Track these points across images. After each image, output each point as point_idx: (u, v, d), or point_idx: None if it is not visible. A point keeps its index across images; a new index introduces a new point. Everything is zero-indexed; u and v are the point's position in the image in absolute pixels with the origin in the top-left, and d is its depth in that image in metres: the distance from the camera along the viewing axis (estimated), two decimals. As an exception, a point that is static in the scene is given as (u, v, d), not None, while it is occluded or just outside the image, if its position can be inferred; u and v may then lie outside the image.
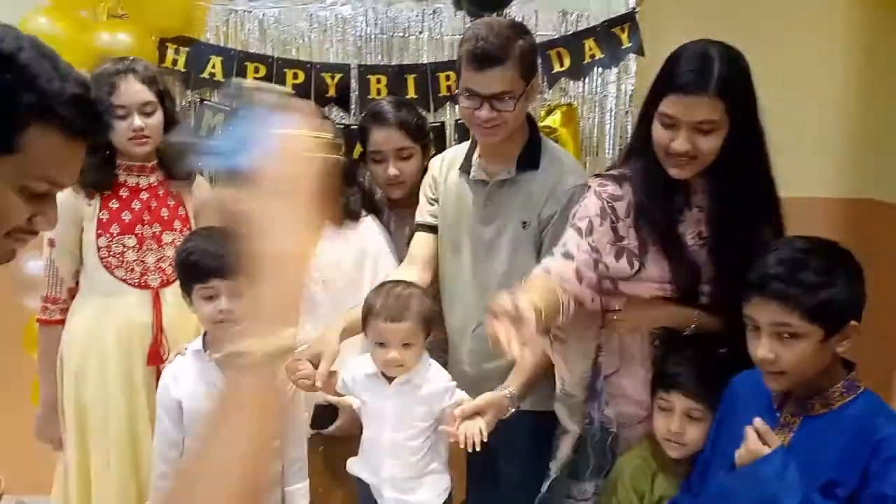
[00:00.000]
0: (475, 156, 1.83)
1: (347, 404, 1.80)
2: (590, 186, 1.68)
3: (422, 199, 1.94)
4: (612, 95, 2.41)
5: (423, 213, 1.93)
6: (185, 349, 1.72)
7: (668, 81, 1.50)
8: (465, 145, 1.91)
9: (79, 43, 2.15)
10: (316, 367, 1.64)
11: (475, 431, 1.53)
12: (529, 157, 1.78)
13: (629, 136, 2.37)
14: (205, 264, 1.63)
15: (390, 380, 1.64)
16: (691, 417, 1.51)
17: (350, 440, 1.78)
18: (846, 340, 1.29)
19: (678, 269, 1.61)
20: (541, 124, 2.35)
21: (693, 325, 1.59)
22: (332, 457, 1.84)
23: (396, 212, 2.09)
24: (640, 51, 2.36)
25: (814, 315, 1.25)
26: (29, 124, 0.79)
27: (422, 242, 1.91)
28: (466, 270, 1.84)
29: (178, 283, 1.96)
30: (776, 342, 1.27)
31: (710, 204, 1.59)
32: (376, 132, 2.03)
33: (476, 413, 1.58)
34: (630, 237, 1.61)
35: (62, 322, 1.98)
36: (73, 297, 2.00)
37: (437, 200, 1.91)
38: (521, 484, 1.79)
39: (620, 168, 1.69)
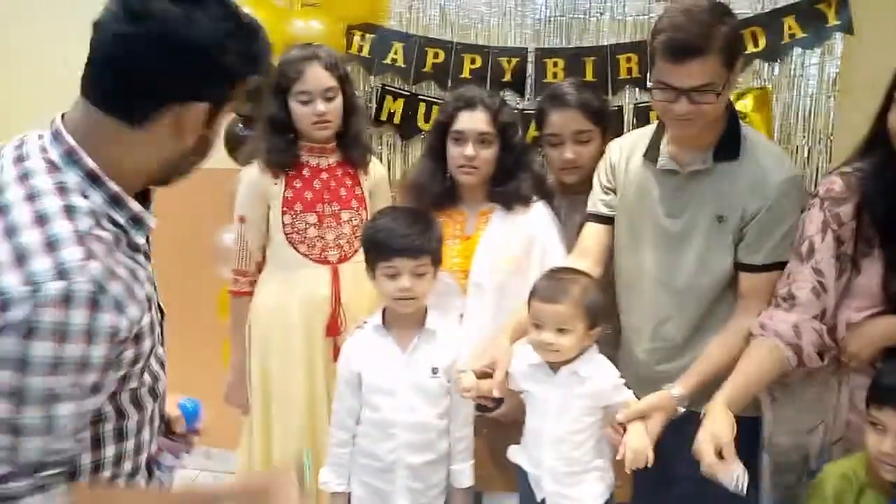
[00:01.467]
0: (663, 143, 1.70)
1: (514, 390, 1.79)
2: (815, 194, 1.57)
3: (596, 186, 1.85)
4: (813, 79, 2.20)
5: (596, 203, 1.84)
6: (365, 323, 1.78)
7: None
8: (648, 130, 1.79)
9: (275, 30, 2.30)
10: (490, 374, 1.64)
11: (641, 452, 1.47)
12: (728, 147, 1.64)
13: (831, 123, 2.19)
14: (390, 243, 1.68)
15: (556, 370, 1.61)
16: None
17: (514, 426, 1.76)
18: None
19: (891, 274, 1.45)
20: (729, 109, 2.20)
21: None
22: (495, 441, 1.83)
23: (569, 198, 2.03)
24: (849, 29, 2.14)
25: None
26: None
27: (594, 234, 1.83)
28: (648, 265, 1.73)
29: (353, 258, 2.06)
30: None
31: None
32: (555, 114, 1.99)
33: (642, 417, 1.53)
34: (850, 240, 1.51)
35: (250, 294, 2.12)
36: (260, 270, 2.13)
37: (613, 190, 1.82)
38: (697, 492, 1.69)
39: (855, 163, 1.55)
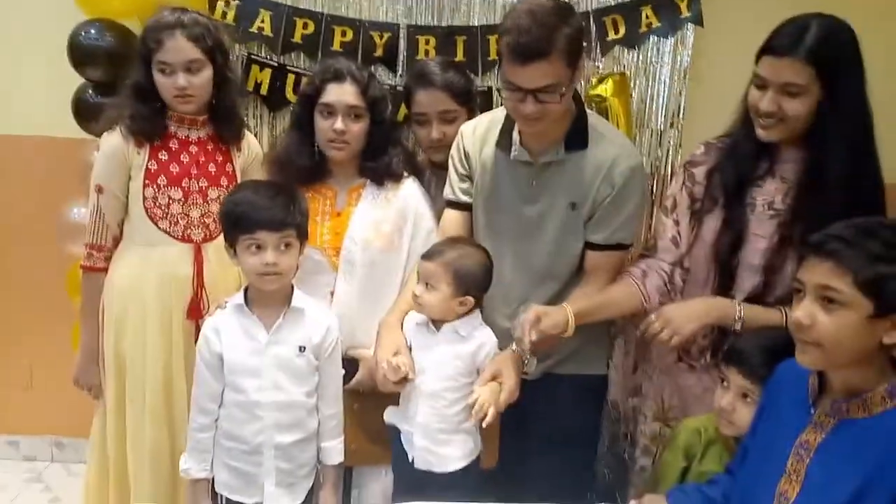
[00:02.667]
0: (515, 134, 1.74)
1: (367, 356, 1.82)
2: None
3: (452, 173, 1.86)
4: (667, 66, 2.34)
5: (454, 190, 1.85)
6: (226, 303, 1.72)
7: (765, 45, 1.58)
8: (500, 115, 1.80)
9: (130, -9, 2.15)
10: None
11: (485, 402, 1.57)
12: (577, 138, 1.71)
13: (683, 108, 2.35)
14: (252, 215, 1.62)
15: (438, 329, 1.69)
16: (745, 398, 1.47)
17: (383, 397, 1.78)
18: (895, 332, 1.14)
19: (724, 230, 1.67)
20: (592, 92, 2.30)
21: (738, 320, 1.62)
22: (364, 415, 1.84)
23: (437, 174, 2.04)
24: (699, 21, 2.29)
25: (867, 286, 1.12)
26: None
27: (454, 222, 1.85)
28: (506, 250, 1.78)
29: (219, 239, 1.97)
30: (818, 307, 1.15)
31: (797, 176, 1.62)
32: (421, 93, 1.99)
33: (494, 378, 1.63)
34: (702, 198, 1.73)
35: (105, 270, 1.99)
36: (116, 246, 2.00)
37: (469, 177, 1.84)
38: (552, 451, 1.78)
39: (724, 137, 1.74)
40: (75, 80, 2.30)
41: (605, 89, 2.32)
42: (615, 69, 2.34)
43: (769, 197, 1.65)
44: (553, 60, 1.53)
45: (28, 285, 2.70)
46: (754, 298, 1.66)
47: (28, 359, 2.77)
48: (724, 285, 1.69)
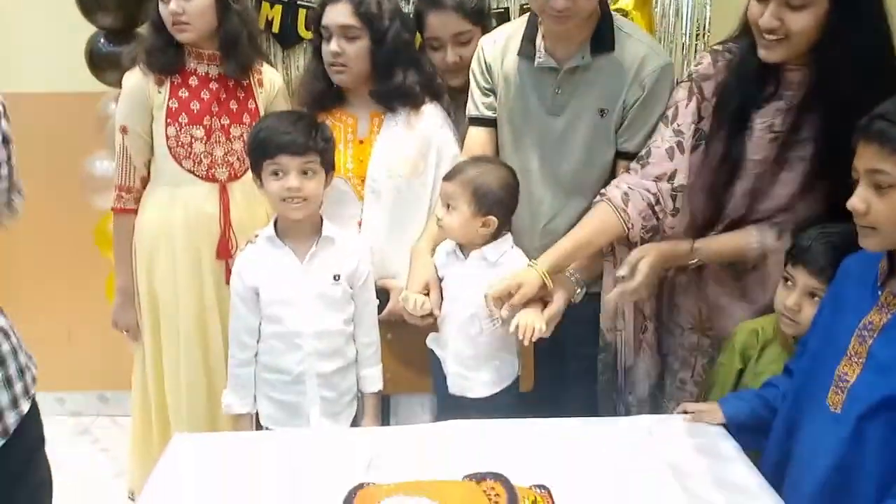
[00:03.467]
0: (538, 39, 1.68)
1: (397, 287, 1.80)
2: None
3: (474, 88, 1.81)
4: (691, -23, 2.25)
5: (477, 106, 1.80)
6: (257, 236, 1.71)
7: None
8: (519, 24, 1.75)
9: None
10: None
11: (531, 322, 1.53)
12: (603, 40, 1.65)
13: (707, 21, 2.26)
14: (273, 140, 1.60)
15: (466, 255, 1.65)
16: (812, 296, 1.44)
17: (416, 327, 1.77)
18: None
19: (723, 163, 1.60)
20: (613, 7, 2.21)
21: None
22: (400, 344, 1.84)
23: (457, 99, 1.98)
24: (722, -73, 2.19)
25: None
26: None
27: (478, 138, 1.80)
28: (534, 164, 1.73)
29: (244, 177, 1.95)
30: (871, 192, 1.14)
31: (803, 100, 1.52)
32: (432, 17, 1.93)
33: (541, 299, 1.59)
34: (708, 117, 1.60)
35: (135, 211, 1.99)
36: (145, 186, 2.00)
37: (492, 91, 1.78)
38: (588, 371, 1.77)
39: (729, 43, 1.62)
40: (87, 30, 2.27)
41: (627, 3, 2.24)
42: (637, -19, 2.25)
43: (769, 119, 1.56)
44: None
45: (57, 243, 2.72)
46: (737, 221, 1.62)
47: (65, 315, 2.80)
48: (713, 216, 1.65)
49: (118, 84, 2.23)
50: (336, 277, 1.67)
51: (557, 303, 1.60)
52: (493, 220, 1.62)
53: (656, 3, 2.26)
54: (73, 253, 2.66)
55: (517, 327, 1.54)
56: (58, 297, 2.79)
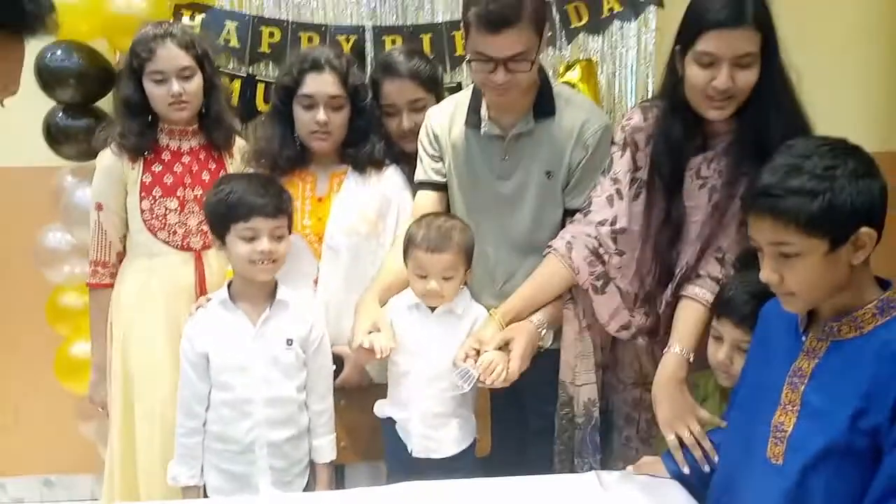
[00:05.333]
0: (483, 109, 1.75)
1: (350, 354, 1.78)
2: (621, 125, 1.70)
3: (423, 155, 1.86)
4: (632, 50, 2.37)
5: (426, 170, 1.85)
6: (209, 300, 1.70)
7: (703, 18, 1.50)
8: (464, 97, 1.82)
9: (93, 8, 2.15)
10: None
11: (496, 361, 1.54)
12: (545, 106, 1.73)
13: (650, 92, 2.37)
14: (247, 203, 1.61)
15: (433, 310, 1.66)
16: (741, 349, 1.45)
17: (370, 392, 1.76)
18: (861, 251, 1.12)
19: (664, 225, 1.64)
20: (560, 80, 2.32)
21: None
22: (352, 412, 1.80)
23: (411, 163, 2.00)
24: (659, 2, 2.32)
25: (811, 227, 1.10)
26: None
27: (429, 201, 1.83)
28: (485, 227, 1.77)
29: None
30: (779, 262, 1.15)
31: (733, 145, 1.58)
32: (388, 84, 1.99)
33: (506, 343, 1.61)
34: (645, 167, 1.66)
35: (111, 286, 1.99)
36: (120, 261, 2.00)
37: (440, 157, 1.84)
38: (548, 429, 1.76)
39: (657, 99, 1.70)
40: (45, 104, 2.29)
41: (574, 77, 2.35)
42: (581, 56, 2.37)
43: (695, 166, 1.62)
44: (522, 28, 1.56)
45: (7, 319, 2.65)
46: (688, 271, 1.63)
47: (12, 393, 2.70)
48: (665, 275, 1.67)
49: (76, 157, 2.25)
50: (289, 342, 1.66)
51: (520, 343, 1.61)
52: (470, 272, 1.67)
53: (601, 75, 2.38)
54: (24, 330, 2.58)
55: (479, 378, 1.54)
56: (5, 373, 2.69)
